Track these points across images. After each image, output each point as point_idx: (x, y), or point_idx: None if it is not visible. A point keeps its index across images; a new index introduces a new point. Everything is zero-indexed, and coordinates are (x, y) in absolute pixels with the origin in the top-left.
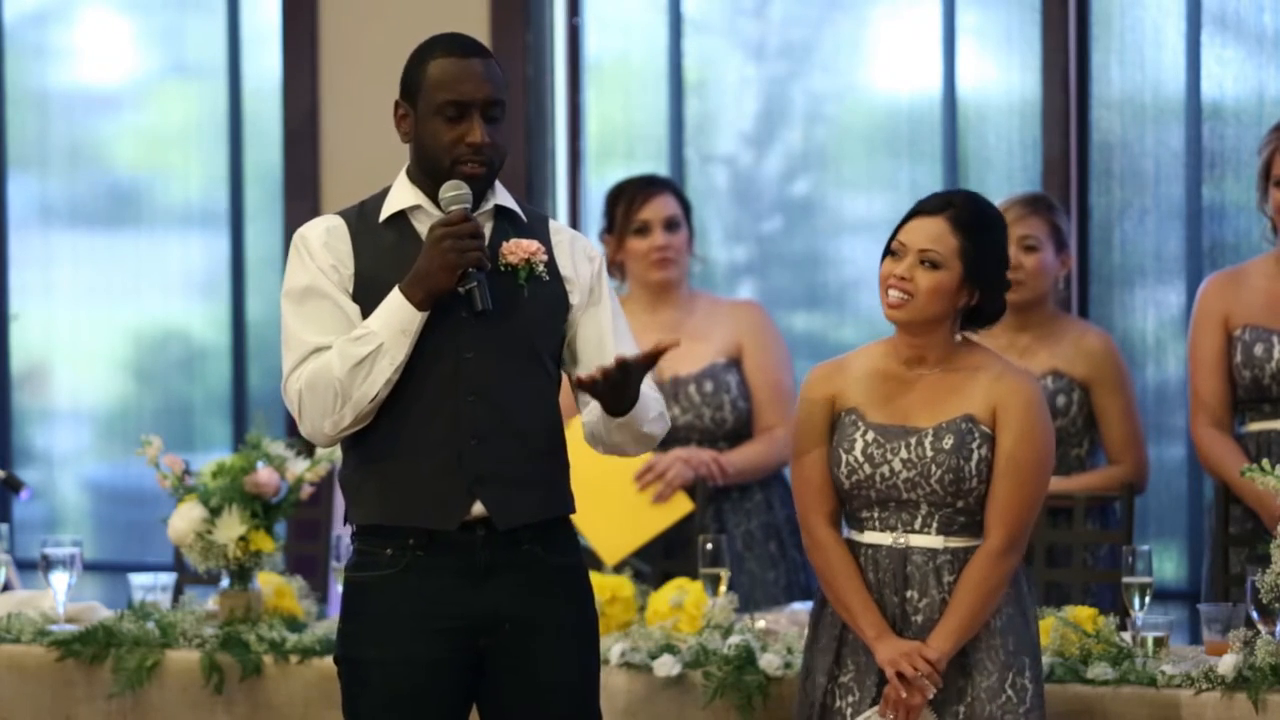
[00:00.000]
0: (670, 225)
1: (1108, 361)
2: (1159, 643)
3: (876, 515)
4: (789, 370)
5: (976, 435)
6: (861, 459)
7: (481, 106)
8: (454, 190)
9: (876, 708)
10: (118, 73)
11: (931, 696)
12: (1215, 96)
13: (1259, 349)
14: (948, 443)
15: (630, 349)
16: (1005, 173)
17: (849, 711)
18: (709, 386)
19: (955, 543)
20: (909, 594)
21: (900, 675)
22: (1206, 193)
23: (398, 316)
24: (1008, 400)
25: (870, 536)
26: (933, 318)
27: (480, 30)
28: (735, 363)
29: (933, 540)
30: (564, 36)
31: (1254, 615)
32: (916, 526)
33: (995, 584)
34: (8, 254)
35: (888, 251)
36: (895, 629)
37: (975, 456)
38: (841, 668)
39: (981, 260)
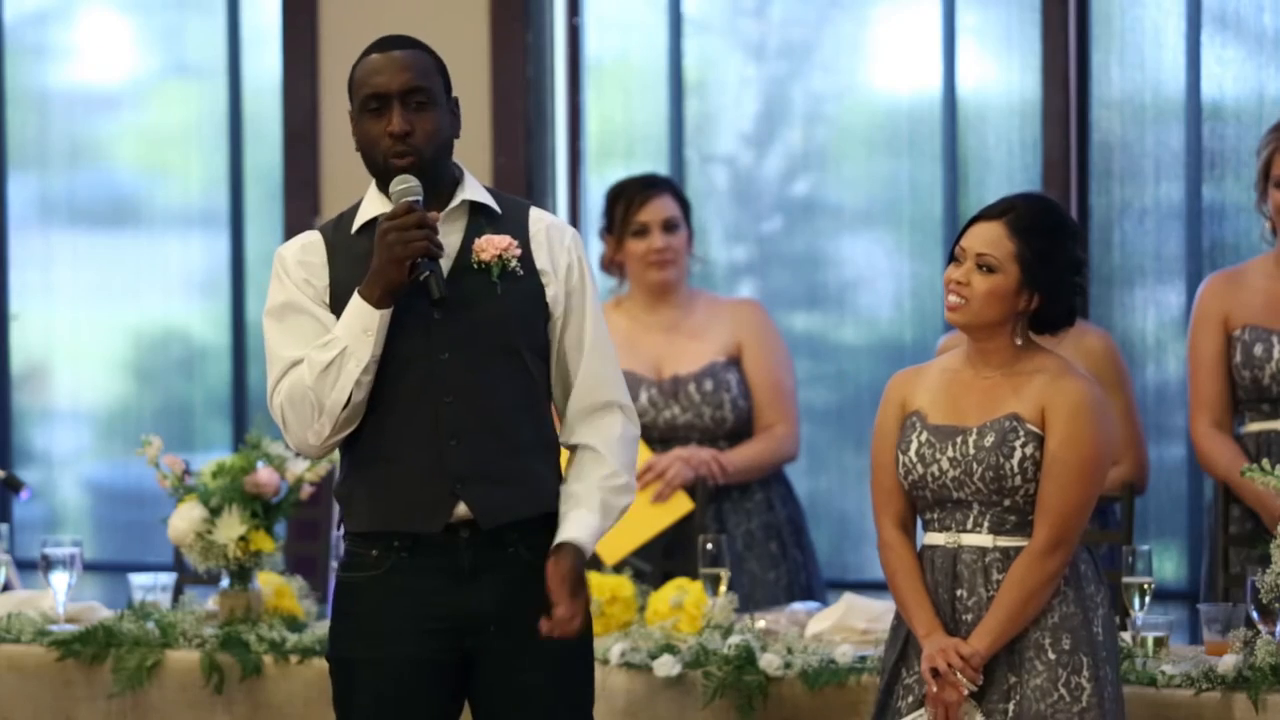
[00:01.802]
0: (669, 227)
1: (1107, 361)
2: (1159, 643)
3: (935, 516)
4: (789, 369)
5: (1021, 434)
6: (915, 459)
7: (399, 95)
8: (402, 184)
9: (922, 709)
10: (118, 73)
11: (968, 693)
12: (1215, 96)
13: (1259, 349)
14: (989, 440)
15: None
16: (1005, 173)
17: (903, 710)
18: (709, 385)
19: (1005, 542)
20: (959, 593)
21: (935, 671)
22: (1206, 193)
23: (358, 318)
24: (1057, 401)
25: (930, 537)
26: (990, 321)
27: (480, 30)
28: (735, 361)
29: (983, 539)
30: (564, 36)
31: (1254, 615)
32: (969, 526)
33: (1038, 583)
34: (8, 254)
35: (951, 256)
36: (948, 628)
37: (1018, 455)
38: (908, 668)
39: (1040, 265)
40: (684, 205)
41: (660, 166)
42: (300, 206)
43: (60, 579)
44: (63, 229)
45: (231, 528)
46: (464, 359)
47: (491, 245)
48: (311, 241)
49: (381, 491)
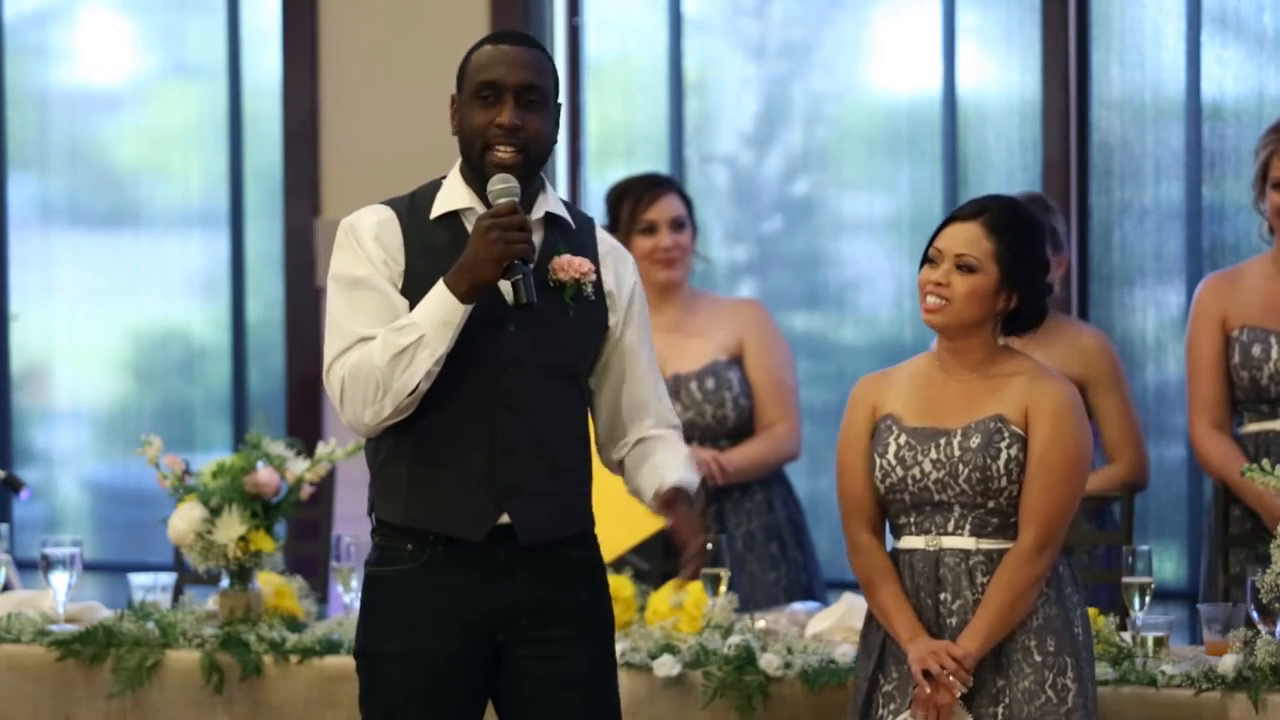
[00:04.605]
0: (676, 225)
1: (1103, 361)
2: (1159, 643)
3: (913, 520)
4: (790, 367)
5: (1006, 435)
6: (894, 461)
7: (515, 90)
8: (502, 183)
9: (909, 710)
10: (118, 73)
11: (960, 695)
12: (1215, 96)
13: (1257, 349)
14: (975, 441)
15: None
16: (1005, 173)
17: (886, 717)
18: (710, 384)
19: (988, 544)
20: (942, 596)
21: (927, 673)
22: (1206, 193)
23: (441, 308)
24: (1040, 402)
25: (907, 541)
26: (970, 322)
27: (480, 30)
28: (737, 360)
29: (965, 541)
30: (564, 36)
31: (1254, 615)
32: (950, 529)
33: (1026, 584)
34: (8, 254)
35: (925, 259)
36: (931, 632)
37: (1004, 456)
38: (885, 676)
39: (1018, 264)
40: (688, 204)
41: (660, 166)
42: (300, 206)
43: (60, 579)
44: (63, 229)
45: (231, 528)
46: (527, 374)
47: (571, 267)
48: (387, 219)
49: (425, 491)
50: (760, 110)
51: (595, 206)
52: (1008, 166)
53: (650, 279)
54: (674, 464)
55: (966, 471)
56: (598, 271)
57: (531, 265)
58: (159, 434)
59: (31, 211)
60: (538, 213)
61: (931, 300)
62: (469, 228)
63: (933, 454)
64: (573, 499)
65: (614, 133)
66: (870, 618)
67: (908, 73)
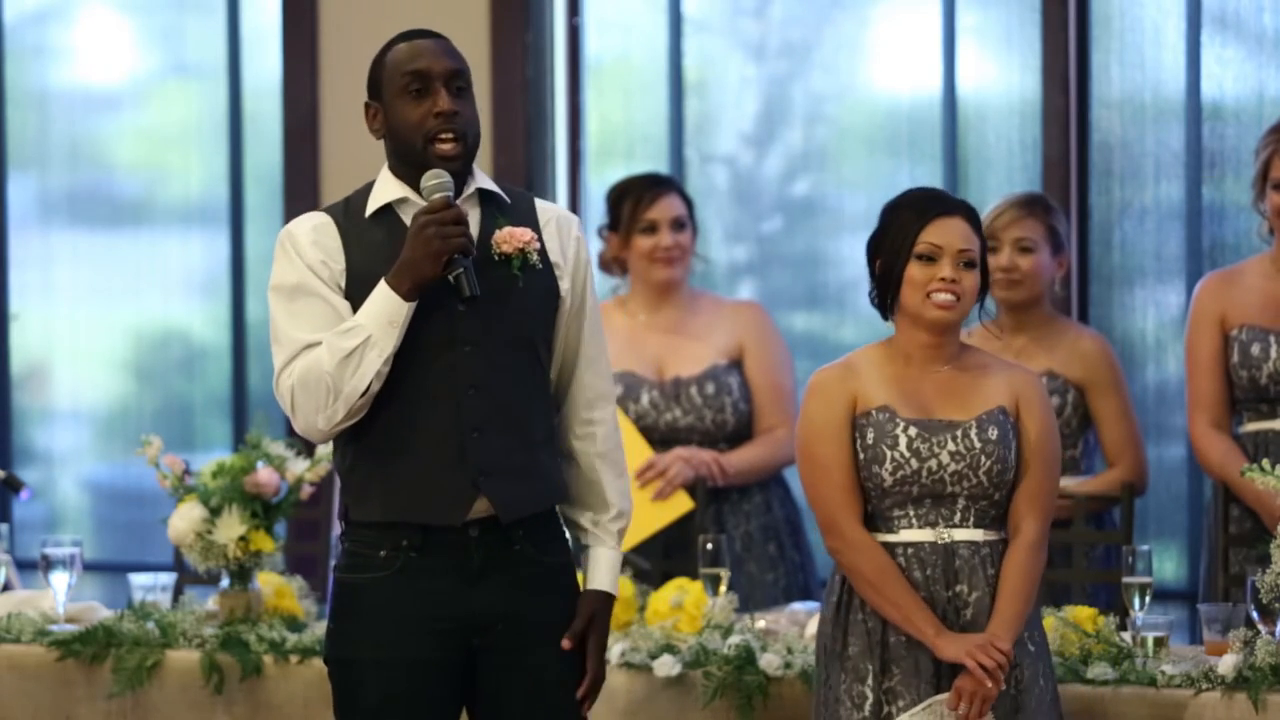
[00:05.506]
0: (677, 225)
1: (1102, 363)
2: (1159, 643)
3: (913, 513)
4: (790, 371)
5: (1010, 427)
6: (908, 454)
7: (443, 77)
8: (435, 179)
9: (941, 696)
10: (118, 73)
11: (1003, 689)
12: (1215, 96)
13: (1256, 349)
14: (993, 433)
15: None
16: (1005, 173)
17: (895, 712)
18: (710, 388)
19: (992, 535)
20: (959, 588)
21: (982, 667)
22: (1206, 193)
23: (385, 308)
24: (1028, 393)
25: (908, 535)
26: (965, 317)
27: (480, 30)
28: (736, 364)
29: (973, 533)
30: (564, 36)
31: (1254, 615)
32: (957, 521)
33: (1037, 575)
34: (8, 254)
35: (913, 256)
36: (947, 624)
37: (1013, 447)
38: (886, 674)
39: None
40: (688, 204)
41: (660, 166)
42: (300, 206)
43: (60, 579)
44: (63, 229)
45: (231, 528)
46: (485, 351)
47: (514, 238)
48: (323, 223)
49: (400, 482)
50: (760, 110)
51: (595, 206)
52: (1008, 166)
53: (650, 278)
54: (602, 561)
55: (989, 463)
56: (541, 242)
57: (471, 259)
58: (159, 434)
59: (31, 211)
60: (469, 190)
61: (944, 298)
62: (405, 219)
63: (950, 445)
64: (546, 471)
65: (614, 133)
66: (845, 614)
67: (908, 73)
